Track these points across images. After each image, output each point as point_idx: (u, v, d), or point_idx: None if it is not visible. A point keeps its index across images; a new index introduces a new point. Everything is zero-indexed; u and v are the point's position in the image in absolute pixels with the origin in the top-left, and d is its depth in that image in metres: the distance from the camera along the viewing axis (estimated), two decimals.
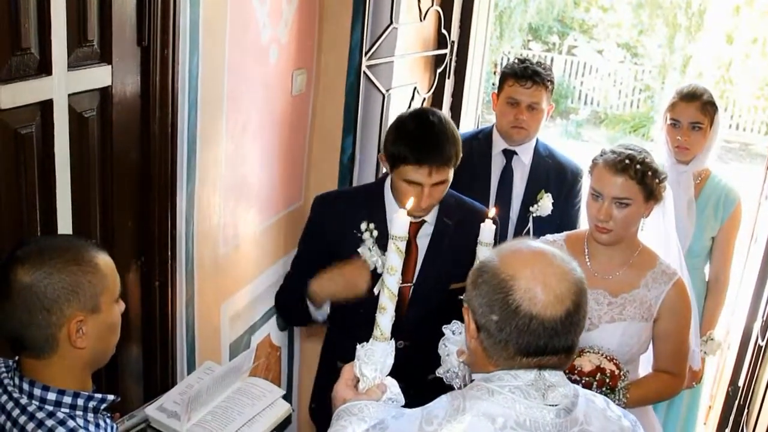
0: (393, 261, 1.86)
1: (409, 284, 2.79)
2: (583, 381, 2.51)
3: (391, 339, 1.99)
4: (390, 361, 2.00)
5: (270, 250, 3.25)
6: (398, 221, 1.87)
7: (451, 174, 2.67)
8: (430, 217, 2.80)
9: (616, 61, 17.76)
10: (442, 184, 2.65)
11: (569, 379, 2.42)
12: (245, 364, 2.57)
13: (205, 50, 2.51)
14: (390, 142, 2.66)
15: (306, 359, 3.70)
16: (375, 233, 2.75)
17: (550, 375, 1.64)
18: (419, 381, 2.54)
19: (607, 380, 2.53)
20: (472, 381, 1.72)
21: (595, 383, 2.51)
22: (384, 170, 2.90)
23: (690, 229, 3.63)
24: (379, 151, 3.55)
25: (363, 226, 2.76)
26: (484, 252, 2.35)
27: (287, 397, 3.61)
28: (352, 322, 2.79)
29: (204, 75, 2.53)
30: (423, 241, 2.80)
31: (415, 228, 2.77)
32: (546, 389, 1.63)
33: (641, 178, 2.60)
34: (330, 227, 2.81)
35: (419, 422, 1.63)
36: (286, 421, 3.59)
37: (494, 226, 2.26)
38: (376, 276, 2.68)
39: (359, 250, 2.75)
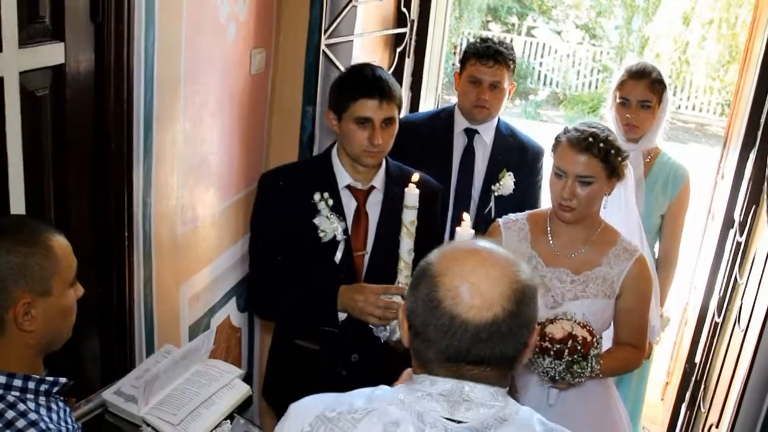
0: None
1: (362, 252, 2.83)
2: (555, 348, 2.51)
3: None
4: None
5: (230, 230, 3.22)
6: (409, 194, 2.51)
7: (397, 116, 2.73)
8: (379, 185, 2.85)
9: (574, 42, 17.86)
10: (391, 124, 2.71)
11: (540, 347, 2.47)
12: (204, 346, 2.55)
13: (161, 27, 2.46)
14: (336, 91, 2.76)
15: (266, 340, 3.67)
16: (330, 202, 2.77)
17: (472, 389, 1.49)
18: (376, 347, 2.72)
19: (579, 347, 2.51)
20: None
21: (567, 350, 2.51)
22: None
23: (639, 207, 3.65)
24: None
25: (317, 196, 2.77)
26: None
27: (248, 379, 3.60)
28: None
29: (160, 52, 2.48)
30: (373, 209, 2.84)
31: (363, 196, 2.83)
32: (460, 403, 1.49)
33: (605, 156, 2.61)
34: (279, 203, 2.80)
35: (331, 402, 1.60)
36: (247, 403, 3.58)
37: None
38: (334, 244, 2.76)
39: (315, 220, 2.76)
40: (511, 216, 2.88)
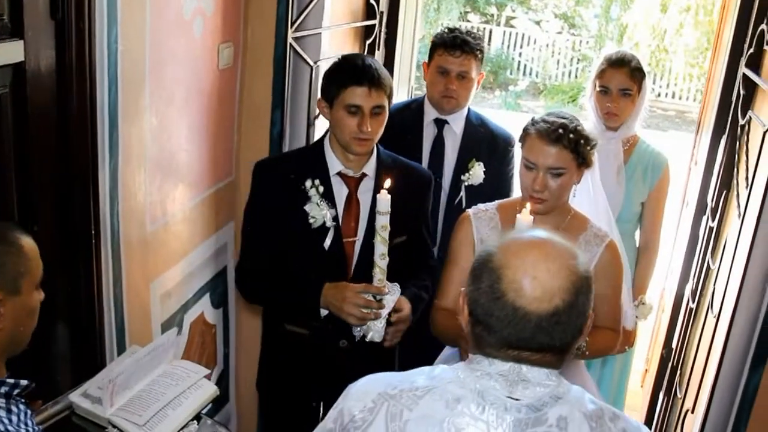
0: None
1: (353, 239, 2.86)
2: None
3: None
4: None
5: (202, 225, 3.21)
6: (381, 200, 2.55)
7: (387, 104, 2.77)
8: (370, 172, 2.87)
9: (553, 32, 17.89)
10: (380, 112, 2.75)
11: None
12: (170, 346, 2.54)
13: (124, 23, 2.44)
14: (327, 80, 2.79)
15: (242, 336, 3.67)
16: (321, 189, 2.81)
17: (529, 370, 1.59)
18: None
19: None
20: None
21: None
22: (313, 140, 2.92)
23: (620, 195, 3.66)
24: (309, 124, 3.52)
25: (308, 183, 2.81)
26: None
27: (224, 375, 3.61)
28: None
29: (124, 49, 2.46)
30: (365, 196, 2.87)
31: (355, 183, 2.87)
32: (517, 383, 1.59)
33: (575, 146, 2.61)
34: (275, 191, 2.85)
35: (392, 381, 1.69)
36: (224, 399, 3.58)
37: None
38: (324, 230, 2.80)
39: (306, 207, 2.80)
40: (481, 206, 2.88)
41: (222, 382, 3.60)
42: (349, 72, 2.73)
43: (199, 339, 3.31)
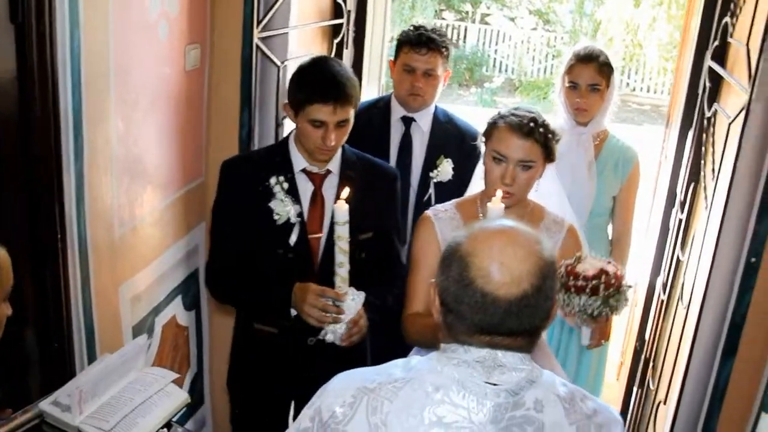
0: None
1: (319, 235, 2.88)
2: (591, 285, 2.54)
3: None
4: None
5: (172, 227, 3.20)
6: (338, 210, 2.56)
7: (352, 115, 2.78)
8: (335, 168, 2.90)
9: (528, 29, 17.97)
10: (344, 125, 2.76)
11: (575, 285, 2.54)
12: (140, 352, 2.53)
13: (86, 27, 2.42)
14: (294, 88, 2.78)
15: (215, 338, 3.66)
16: (285, 185, 2.83)
17: (504, 355, 1.64)
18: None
19: (612, 281, 2.55)
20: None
21: (602, 285, 2.54)
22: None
23: (592, 189, 3.69)
24: (277, 124, 3.52)
25: (272, 180, 2.84)
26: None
27: (198, 377, 3.59)
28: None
29: (87, 52, 2.44)
30: (329, 192, 2.89)
31: (320, 179, 2.89)
32: (494, 368, 1.63)
33: (544, 140, 2.65)
34: (241, 189, 2.88)
35: (369, 375, 1.71)
36: (199, 401, 3.57)
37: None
38: (289, 227, 2.83)
39: (271, 204, 2.82)
40: (438, 207, 2.90)
41: (196, 384, 3.58)
42: (316, 87, 2.71)
43: (172, 342, 3.29)
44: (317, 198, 2.90)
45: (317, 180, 2.89)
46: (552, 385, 1.68)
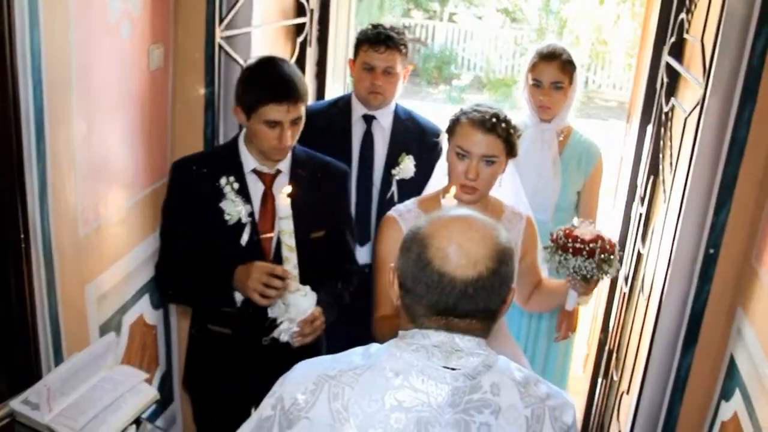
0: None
1: (270, 235, 2.89)
2: (587, 248, 2.67)
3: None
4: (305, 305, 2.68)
5: (139, 227, 3.19)
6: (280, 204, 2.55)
7: (303, 112, 2.79)
8: (285, 168, 2.91)
9: (496, 27, 18.03)
10: (298, 122, 2.78)
11: (573, 247, 2.68)
12: (109, 351, 2.54)
13: (46, 27, 2.41)
14: (243, 90, 2.78)
15: (184, 336, 3.64)
16: (236, 185, 2.85)
17: (461, 339, 1.68)
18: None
19: (608, 246, 2.71)
20: None
21: (598, 249, 2.68)
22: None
23: (557, 185, 3.74)
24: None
25: (223, 180, 2.85)
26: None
27: (167, 376, 3.60)
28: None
29: (48, 53, 2.43)
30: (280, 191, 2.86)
31: (270, 179, 2.90)
32: (452, 353, 1.67)
33: (507, 135, 2.69)
34: (192, 189, 2.89)
35: (329, 363, 1.74)
36: (168, 399, 3.57)
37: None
38: (240, 227, 2.84)
39: (221, 204, 2.84)
40: (401, 207, 2.93)
41: (165, 383, 3.59)
42: (268, 88, 2.73)
43: (140, 341, 3.30)
44: (268, 198, 2.91)
45: (267, 180, 2.91)
46: (508, 370, 1.73)
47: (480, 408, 1.66)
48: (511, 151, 2.75)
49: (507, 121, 2.71)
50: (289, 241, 2.63)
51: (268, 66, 2.82)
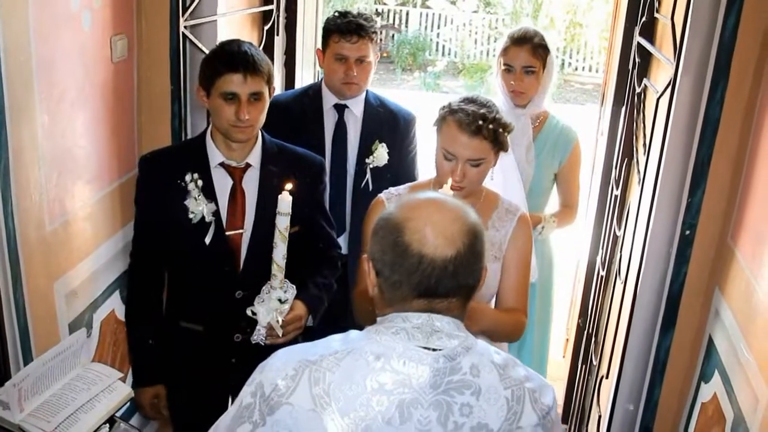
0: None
1: (240, 231, 2.84)
2: None
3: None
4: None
5: (107, 221, 3.14)
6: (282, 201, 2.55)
7: (266, 91, 2.75)
8: (255, 162, 2.86)
9: (470, 11, 18.01)
10: (259, 99, 2.72)
11: None
12: (79, 347, 2.49)
13: (4, 20, 2.35)
14: (203, 69, 2.77)
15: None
16: (200, 183, 2.80)
17: (440, 320, 1.71)
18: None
19: None
20: None
21: None
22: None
23: (530, 170, 3.70)
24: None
25: (187, 177, 2.80)
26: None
27: None
28: (191, 280, 2.83)
29: (7, 46, 2.38)
30: (250, 186, 2.86)
31: (239, 173, 2.85)
32: (432, 334, 1.70)
33: (494, 137, 2.62)
34: (159, 183, 2.85)
35: (309, 349, 1.76)
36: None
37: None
38: (204, 225, 2.79)
39: (185, 202, 2.79)
40: (392, 190, 2.89)
41: None
42: (224, 59, 2.71)
43: (112, 338, 3.25)
44: (237, 193, 2.86)
45: (237, 174, 2.86)
46: (487, 352, 1.76)
47: (461, 389, 1.68)
48: (499, 148, 2.69)
49: (495, 121, 2.62)
50: (283, 231, 2.60)
51: (228, 43, 2.81)
